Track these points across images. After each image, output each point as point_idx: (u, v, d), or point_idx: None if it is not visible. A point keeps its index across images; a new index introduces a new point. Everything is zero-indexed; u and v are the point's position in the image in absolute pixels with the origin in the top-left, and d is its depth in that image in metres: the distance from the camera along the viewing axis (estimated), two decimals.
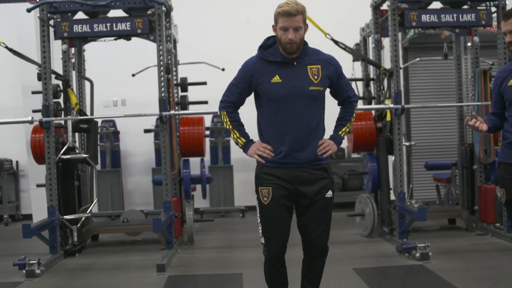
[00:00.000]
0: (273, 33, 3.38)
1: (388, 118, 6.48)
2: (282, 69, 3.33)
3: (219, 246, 6.73)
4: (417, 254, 5.56)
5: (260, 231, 3.41)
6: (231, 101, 3.46)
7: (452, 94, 7.61)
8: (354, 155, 9.01)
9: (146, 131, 8.43)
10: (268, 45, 3.41)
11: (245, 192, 9.21)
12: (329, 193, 3.41)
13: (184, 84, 7.11)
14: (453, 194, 7.66)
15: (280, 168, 3.35)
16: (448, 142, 8.87)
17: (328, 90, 3.47)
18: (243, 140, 3.45)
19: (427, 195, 9.01)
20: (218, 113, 3.52)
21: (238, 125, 3.47)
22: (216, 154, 8.99)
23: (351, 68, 7.28)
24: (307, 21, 3.37)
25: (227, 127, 3.48)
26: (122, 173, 9.07)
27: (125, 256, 6.25)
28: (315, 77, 3.35)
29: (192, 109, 7.06)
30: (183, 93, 7.14)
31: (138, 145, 9.12)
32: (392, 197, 6.70)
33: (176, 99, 6.86)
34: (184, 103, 6.96)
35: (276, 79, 3.32)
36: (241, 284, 4.92)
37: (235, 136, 3.47)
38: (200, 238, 6.94)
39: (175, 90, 6.92)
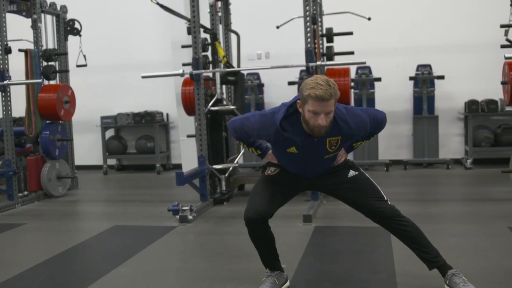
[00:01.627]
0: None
1: None
2: (299, 143, 3.16)
3: None
4: None
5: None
6: (242, 139, 3.41)
7: None
8: (508, 108, 8.43)
9: (290, 83, 8.45)
10: (291, 112, 3.12)
11: (389, 145, 9.02)
12: (351, 173, 3.35)
13: (329, 35, 6.99)
14: None
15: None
16: None
17: None
18: (259, 152, 3.48)
19: None
20: (234, 134, 3.44)
21: (251, 144, 3.45)
22: (360, 106, 8.83)
23: (509, 14, 6.73)
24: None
25: (242, 143, 3.49)
26: None
27: None
28: (333, 147, 3.20)
29: (338, 59, 6.92)
30: (329, 44, 7.03)
31: (281, 98, 9.03)
32: None
33: (321, 50, 6.76)
34: (330, 54, 6.85)
35: (292, 150, 3.21)
36: (389, 237, 4.81)
37: (251, 151, 3.50)
38: None
39: (321, 41, 6.82)
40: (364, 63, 5.96)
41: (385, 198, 3.35)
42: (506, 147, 8.40)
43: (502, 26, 6.61)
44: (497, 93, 7.55)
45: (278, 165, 3.43)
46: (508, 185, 6.79)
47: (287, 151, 3.23)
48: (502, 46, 6.55)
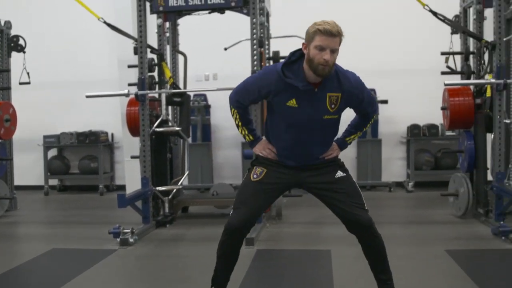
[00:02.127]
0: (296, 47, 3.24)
1: (488, 94, 6.15)
2: (301, 94, 3.16)
3: (308, 221, 6.69)
4: None
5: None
6: (244, 104, 3.39)
7: None
8: (448, 133, 8.67)
9: None
10: (292, 61, 3.19)
11: None
12: (339, 173, 3.35)
13: (276, 58, 7.07)
14: None
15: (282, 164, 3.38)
16: None
17: None
18: (251, 137, 3.45)
19: None
20: (229, 105, 3.46)
21: (247, 123, 3.44)
22: None
23: (449, 41, 6.96)
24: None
25: (236, 122, 3.46)
26: (212, 146, 9.20)
27: (214, 229, 6.26)
28: (332, 105, 3.20)
29: None
30: None
31: (228, 119, 9.01)
32: (489, 177, 6.39)
33: None
34: None
35: (292, 103, 3.18)
36: (330, 260, 4.87)
37: (243, 133, 3.47)
38: (288, 213, 6.94)
39: (267, 64, 6.88)
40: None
41: (366, 208, 3.35)
42: (446, 171, 8.61)
43: (442, 53, 6.83)
44: (438, 118, 7.75)
45: (265, 163, 3.38)
46: (447, 207, 6.96)
47: (287, 106, 3.19)
48: (443, 73, 6.76)
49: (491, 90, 6.09)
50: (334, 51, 3.08)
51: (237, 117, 3.43)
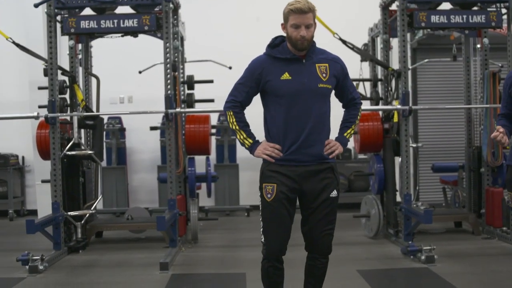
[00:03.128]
0: (280, 33, 3.37)
1: (396, 119, 6.43)
2: (291, 66, 3.31)
3: (223, 245, 6.71)
4: (422, 257, 5.50)
5: (262, 229, 3.36)
6: (238, 100, 3.39)
7: (460, 96, 7.56)
8: (361, 156, 8.97)
9: (152, 128, 8.40)
10: (276, 43, 3.38)
11: (251, 191, 9.14)
12: (334, 193, 3.37)
13: (190, 82, 7.08)
14: (460, 196, 7.61)
15: (286, 166, 3.31)
16: (456, 144, 8.80)
17: (333, 92, 3.45)
18: (250, 141, 3.38)
19: (434, 197, 8.93)
20: (224, 112, 3.46)
21: (244, 126, 3.40)
22: (222, 153, 8.98)
23: (359, 69, 7.23)
24: (316, 21, 3.34)
25: (233, 127, 3.40)
26: (128, 170, 9.06)
27: (129, 254, 6.24)
28: (324, 74, 3.33)
29: (198, 107, 7.02)
30: (190, 91, 7.12)
31: (144, 142, 9.10)
32: (398, 198, 6.65)
33: (182, 97, 6.83)
34: (190, 101, 6.93)
35: (286, 76, 3.29)
36: (244, 283, 4.89)
37: (241, 137, 3.39)
38: (204, 237, 6.92)
39: (182, 88, 6.89)
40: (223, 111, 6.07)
41: (333, 232, 3.44)
42: (359, 193, 8.87)
43: (352, 80, 7.06)
44: (350, 142, 7.98)
45: (271, 177, 3.31)
46: (359, 229, 7.16)
47: (281, 81, 3.27)
48: None
49: (398, 115, 6.37)
50: (309, 26, 3.26)
51: (233, 120, 3.40)
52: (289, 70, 3.30)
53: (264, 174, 3.36)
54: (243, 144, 3.41)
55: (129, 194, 9.03)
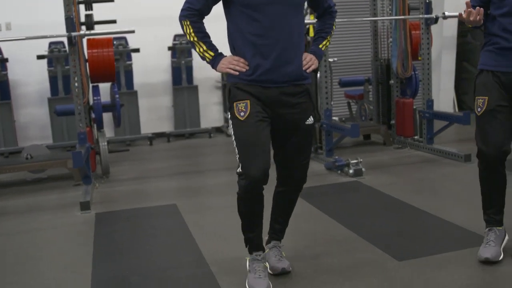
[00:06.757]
0: None
1: (311, 34, 6.23)
2: None
3: (136, 177, 6.25)
4: (351, 171, 5.50)
5: (238, 155, 2.88)
6: (196, 8, 2.90)
7: (366, 9, 7.50)
8: None
9: (40, 57, 7.61)
10: None
11: (150, 118, 8.75)
12: (310, 119, 3.02)
13: (88, 2, 6.37)
14: (366, 110, 7.68)
15: (257, 86, 2.89)
16: (361, 58, 8.78)
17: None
18: (211, 53, 2.95)
19: (338, 112, 8.93)
20: (180, 22, 2.97)
21: (204, 37, 2.94)
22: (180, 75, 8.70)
23: None
24: None
25: (191, 39, 2.94)
26: (13, 105, 8.17)
27: (37, 196, 5.65)
28: None
29: (98, 29, 6.36)
30: (88, 12, 6.42)
31: (29, 74, 8.23)
32: None
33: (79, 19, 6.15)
34: (90, 23, 6.26)
35: None
36: (180, 214, 4.61)
37: (201, 50, 2.95)
38: (113, 170, 6.46)
39: (78, 9, 6.18)
40: (133, 31, 5.54)
41: (309, 161, 3.13)
42: None
43: None
44: None
45: (242, 93, 2.88)
46: None
47: None
48: None
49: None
50: None
51: (191, 30, 2.92)
52: None
53: (232, 92, 2.94)
54: (203, 58, 2.98)
55: (17, 132, 8.21)
